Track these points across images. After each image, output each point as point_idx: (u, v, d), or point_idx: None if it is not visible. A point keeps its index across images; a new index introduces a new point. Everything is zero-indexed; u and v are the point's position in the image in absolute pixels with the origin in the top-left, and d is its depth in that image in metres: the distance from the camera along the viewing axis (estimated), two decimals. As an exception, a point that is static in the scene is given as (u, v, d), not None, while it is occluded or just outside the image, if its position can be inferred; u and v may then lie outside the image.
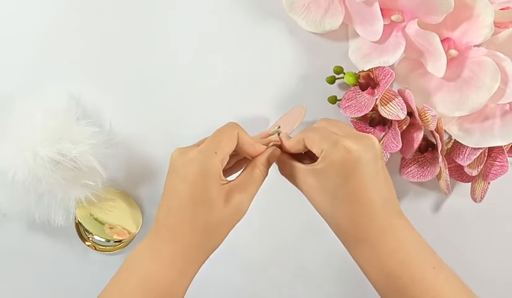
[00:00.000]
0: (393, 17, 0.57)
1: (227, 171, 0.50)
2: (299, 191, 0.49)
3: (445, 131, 0.59)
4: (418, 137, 0.58)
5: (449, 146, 0.60)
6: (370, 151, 0.43)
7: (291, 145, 0.48)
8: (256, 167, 0.47)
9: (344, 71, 0.61)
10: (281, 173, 0.49)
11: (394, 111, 0.56)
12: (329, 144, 0.44)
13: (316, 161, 0.45)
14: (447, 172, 0.59)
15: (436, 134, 0.57)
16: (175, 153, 0.44)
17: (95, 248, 0.61)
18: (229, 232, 0.45)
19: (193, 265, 0.44)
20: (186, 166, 0.43)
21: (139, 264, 0.43)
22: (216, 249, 0.45)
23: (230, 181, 0.45)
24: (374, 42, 0.59)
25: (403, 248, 0.43)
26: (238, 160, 0.50)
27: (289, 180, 0.48)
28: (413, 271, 0.42)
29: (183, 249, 0.43)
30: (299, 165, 0.47)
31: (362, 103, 0.58)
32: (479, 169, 0.59)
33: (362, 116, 0.59)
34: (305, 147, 0.47)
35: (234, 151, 0.46)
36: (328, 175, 0.43)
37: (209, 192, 0.43)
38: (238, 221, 0.45)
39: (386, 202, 0.43)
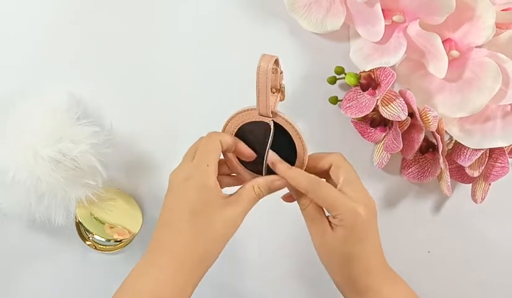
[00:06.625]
0: (394, 18, 0.57)
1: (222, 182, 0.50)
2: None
3: (446, 132, 0.59)
4: (419, 138, 0.58)
5: (450, 147, 0.60)
6: (375, 214, 0.46)
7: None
8: (254, 186, 0.47)
9: (346, 72, 0.60)
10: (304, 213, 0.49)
11: (395, 112, 0.56)
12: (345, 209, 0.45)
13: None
14: (448, 173, 0.59)
15: (437, 135, 0.57)
16: (171, 175, 0.45)
17: (96, 248, 0.61)
18: (224, 246, 0.45)
19: (191, 280, 0.44)
20: (185, 184, 0.44)
21: (140, 284, 0.43)
22: (212, 263, 0.45)
23: (227, 195, 0.46)
24: (376, 43, 0.59)
25: None
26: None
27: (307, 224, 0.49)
28: None
29: (182, 266, 0.43)
30: (326, 222, 0.47)
31: (363, 103, 0.58)
32: (480, 170, 0.59)
33: (363, 116, 0.59)
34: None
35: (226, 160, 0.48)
36: (343, 240, 0.45)
37: (208, 206, 0.43)
38: (232, 234, 0.45)
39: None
